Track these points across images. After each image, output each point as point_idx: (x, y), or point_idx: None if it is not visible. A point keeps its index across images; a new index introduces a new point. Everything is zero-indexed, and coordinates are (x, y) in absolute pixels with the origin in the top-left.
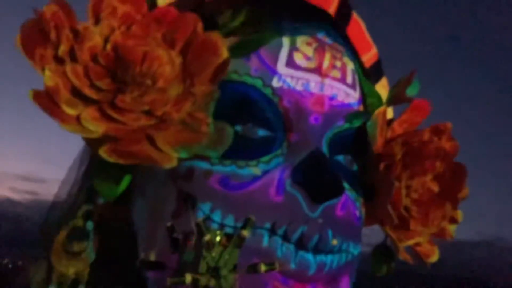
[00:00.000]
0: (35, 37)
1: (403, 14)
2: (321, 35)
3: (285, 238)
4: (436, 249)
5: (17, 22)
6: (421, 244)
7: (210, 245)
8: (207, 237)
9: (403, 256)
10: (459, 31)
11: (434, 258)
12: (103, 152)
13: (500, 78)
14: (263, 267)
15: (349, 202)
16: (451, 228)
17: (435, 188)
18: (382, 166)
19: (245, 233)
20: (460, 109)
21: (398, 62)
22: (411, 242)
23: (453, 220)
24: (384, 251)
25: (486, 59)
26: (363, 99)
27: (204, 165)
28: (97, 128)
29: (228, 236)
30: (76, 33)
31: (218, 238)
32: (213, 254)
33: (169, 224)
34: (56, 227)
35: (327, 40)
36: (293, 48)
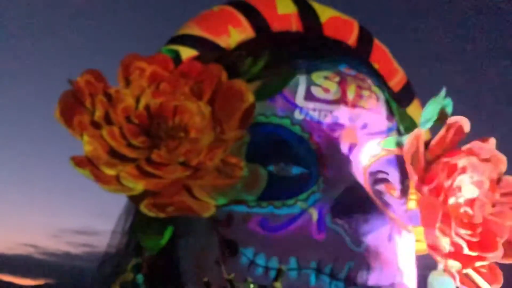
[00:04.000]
0: (72, 107)
1: None
2: (343, 68)
3: (333, 276)
4: (499, 272)
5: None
6: (482, 268)
7: None
8: None
9: (463, 283)
10: None
11: (498, 283)
12: (143, 207)
13: None
14: None
15: (395, 231)
16: None
17: (487, 208)
18: (425, 189)
19: (278, 285)
20: None
21: None
22: (468, 268)
23: None
24: (441, 279)
25: None
26: (396, 124)
27: (242, 209)
28: (136, 185)
29: None
30: (109, 97)
31: None
32: None
33: (205, 279)
34: (108, 280)
35: (350, 71)
36: (311, 83)
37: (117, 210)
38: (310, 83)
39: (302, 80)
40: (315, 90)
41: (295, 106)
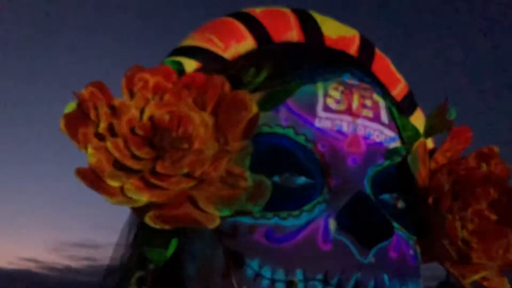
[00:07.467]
0: (77, 119)
1: None
2: (346, 78)
3: (340, 287)
4: (505, 281)
5: None
6: (489, 277)
7: None
8: None
9: None
10: None
11: None
12: (148, 219)
13: None
14: None
15: (401, 242)
16: None
17: (493, 216)
18: (430, 199)
19: None
20: None
21: None
22: (476, 277)
23: None
24: None
25: None
26: (400, 134)
27: (247, 220)
28: (141, 197)
29: None
30: (113, 109)
31: None
32: None
33: None
34: None
35: (353, 81)
36: (325, 94)
37: (119, 223)
38: (325, 94)
39: (314, 91)
40: (329, 101)
41: (304, 119)
